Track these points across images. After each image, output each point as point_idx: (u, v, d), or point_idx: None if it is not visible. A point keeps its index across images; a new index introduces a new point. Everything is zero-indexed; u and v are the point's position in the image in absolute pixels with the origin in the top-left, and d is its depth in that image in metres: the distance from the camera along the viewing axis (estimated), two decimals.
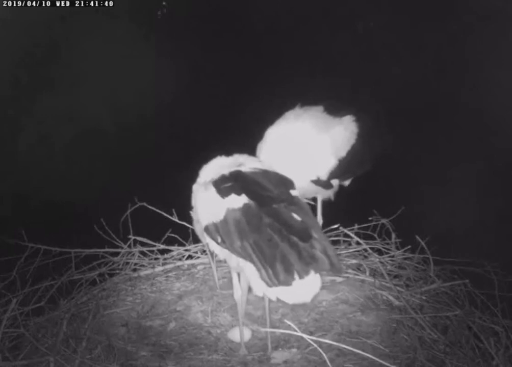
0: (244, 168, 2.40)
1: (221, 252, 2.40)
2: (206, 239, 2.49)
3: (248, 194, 2.25)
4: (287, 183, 2.37)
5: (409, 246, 3.18)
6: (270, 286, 2.13)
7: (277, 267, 2.10)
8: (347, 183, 3.06)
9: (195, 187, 2.51)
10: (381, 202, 3.52)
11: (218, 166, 2.49)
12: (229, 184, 2.32)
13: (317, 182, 2.83)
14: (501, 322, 2.58)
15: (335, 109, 2.92)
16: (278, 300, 2.24)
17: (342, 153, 2.83)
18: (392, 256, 3.22)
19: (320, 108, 2.92)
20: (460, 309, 2.72)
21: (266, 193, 2.27)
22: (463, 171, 3.84)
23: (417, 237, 3.07)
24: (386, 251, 3.25)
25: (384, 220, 3.25)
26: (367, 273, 3.16)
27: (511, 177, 3.83)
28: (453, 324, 2.66)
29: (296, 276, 2.09)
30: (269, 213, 2.20)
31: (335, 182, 2.93)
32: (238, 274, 2.57)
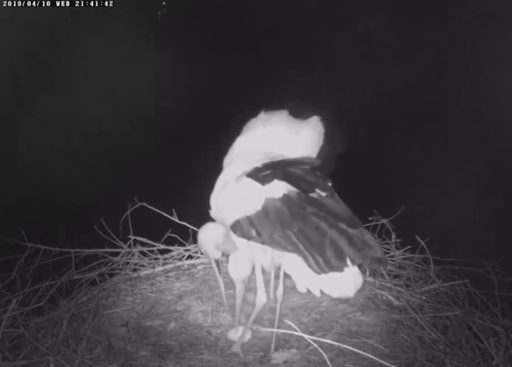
0: (279, 160, 2.40)
1: (251, 249, 2.36)
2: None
3: (290, 182, 2.23)
4: (321, 174, 2.33)
5: (409, 246, 3.18)
6: (319, 273, 2.10)
7: (327, 254, 2.07)
8: None
9: (220, 184, 2.48)
10: (381, 202, 3.52)
11: (247, 160, 2.46)
12: (268, 171, 2.30)
13: None
14: (501, 322, 2.58)
15: (299, 110, 2.81)
16: (322, 294, 2.22)
17: (314, 155, 2.72)
18: (392, 256, 3.22)
19: (284, 112, 2.80)
20: (460, 309, 2.72)
21: (308, 180, 2.25)
22: (463, 171, 3.84)
23: (417, 237, 3.07)
24: (386, 251, 3.25)
25: (384, 220, 3.25)
26: (367, 273, 3.16)
27: (511, 177, 3.83)
28: (453, 324, 2.66)
29: (349, 262, 2.06)
30: (311, 203, 2.18)
31: None
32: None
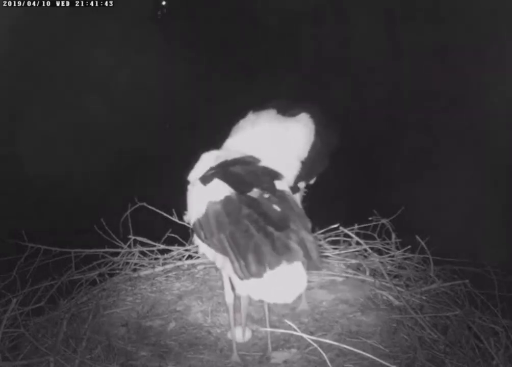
0: (229, 159, 2.35)
1: (208, 251, 2.33)
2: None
3: (228, 181, 2.21)
4: (272, 174, 2.30)
5: (409, 246, 3.18)
6: (241, 278, 2.07)
7: (249, 258, 2.03)
8: (312, 181, 2.91)
9: (188, 187, 2.45)
10: (381, 202, 3.52)
11: (207, 162, 2.43)
12: (212, 171, 2.29)
13: None
14: (501, 322, 2.58)
15: (287, 108, 2.75)
16: (260, 300, 2.19)
17: (305, 153, 2.68)
18: (392, 256, 3.22)
19: (272, 111, 2.75)
20: (460, 309, 2.72)
21: (247, 181, 2.21)
22: (463, 171, 3.84)
23: (417, 237, 3.07)
24: (386, 251, 3.25)
25: (384, 220, 3.25)
26: (367, 273, 3.16)
27: (511, 176, 3.83)
28: (453, 324, 2.66)
29: (267, 267, 2.01)
30: (249, 204, 2.14)
31: (301, 185, 2.78)
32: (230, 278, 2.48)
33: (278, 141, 2.62)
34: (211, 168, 2.32)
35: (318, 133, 2.72)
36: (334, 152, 2.86)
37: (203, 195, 2.25)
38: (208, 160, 2.42)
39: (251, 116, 2.77)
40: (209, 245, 2.24)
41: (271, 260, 2.02)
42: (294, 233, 2.07)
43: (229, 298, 2.53)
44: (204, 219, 2.22)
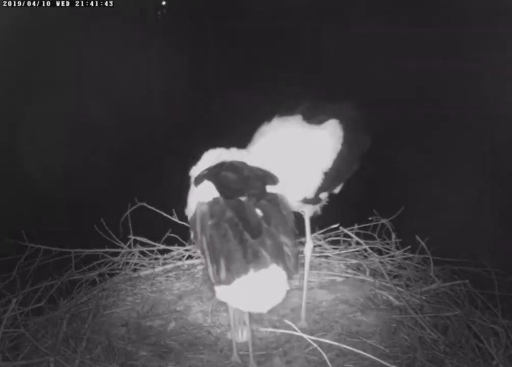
0: (226, 161, 2.33)
1: (198, 251, 2.32)
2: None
3: (217, 185, 2.20)
4: (266, 179, 2.26)
5: (409, 246, 3.18)
6: (214, 284, 2.08)
7: (221, 264, 2.03)
8: (337, 190, 2.78)
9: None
10: (381, 202, 3.52)
11: (207, 160, 2.43)
12: (205, 172, 2.28)
13: (304, 200, 2.57)
14: (501, 322, 2.58)
15: (314, 114, 2.60)
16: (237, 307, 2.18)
17: (329, 163, 2.55)
18: (392, 256, 3.22)
19: (298, 117, 2.60)
20: (460, 309, 2.72)
21: (235, 187, 2.19)
22: (463, 171, 3.84)
23: (417, 237, 3.07)
24: (386, 251, 3.25)
25: (384, 220, 3.25)
26: (367, 273, 3.16)
27: (511, 176, 3.83)
28: (453, 324, 2.66)
29: (235, 275, 2.01)
30: (234, 207, 2.12)
31: (324, 195, 2.65)
32: None
33: (300, 150, 2.52)
34: (206, 169, 2.32)
35: (346, 140, 2.60)
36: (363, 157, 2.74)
37: (194, 195, 2.26)
38: (209, 158, 2.42)
39: (275, 121, 2.65)
40: (196, 245, 2.24)
41: (239, 267, 2.01)
42: (271, 239, 2.06)
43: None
44: (192, 219, 2.23)
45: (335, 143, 2.57)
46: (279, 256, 2.06)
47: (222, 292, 2.14)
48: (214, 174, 2.26)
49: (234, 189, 2.19)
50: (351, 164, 2.68)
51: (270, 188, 2.25)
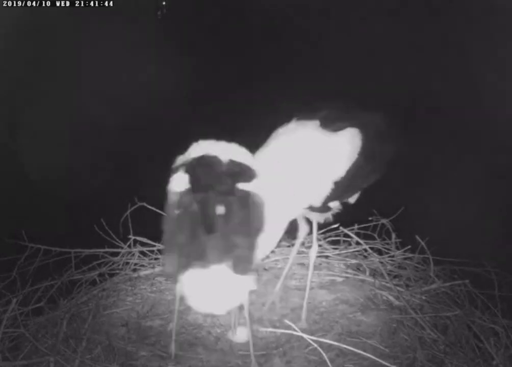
0: (206, 154, 2.32)
1: None
2: None
3: (189, 177, 2.21)
4: (240, 175, 2.24)
5: (409, 246, 3.18)
6: (164, 276, 2.08)
7: (169, 258, 2.07)
8: (352, 200, 2.71)
9: None
10: (381, 202, 3.51)
11: (191, 152, 2.44)
12: (181, 163, 2.31)
13: (310, 208, 2.54)
14: (501, 322, 2.58)
15: (333, 121, 2.53)
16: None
17: (341, 173, 2.48)
18: (392, 256, 3.22)
19: (315, 123, 2.53)
20: (460, 309, 2.72)
21: (204, 182, 2.19)
22: (463, 171, 3.84)
23: (417, 237, 3.07)
24: (386, 251, 3.25)
25: (384, 220, 3.25)
26: (367, 273, 3.16)
27: (511, 177, 3.83)
28: (453, 324, 2.66)
29: (180, 270, 2.03)
30: (199, 201, 2.13)
31: (334, 204, 2.60)
32: None
33: (312, 157, 2.48)
34: (185, 160, 2.34)
35: (365, 150, 2.53)
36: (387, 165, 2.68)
37: (170, 184, 2.29)
38: (195, 149, 2.42)
39: (292, 125, 2.60)
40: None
41: (184, 262, 2.03)
42: (223, 238, 2.05)
43: None
44: (166, 208, 2.26)
45: (351, 153, 2.51)
46: (225, 256, 2.05)
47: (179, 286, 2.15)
48: (190, 165, 2.28)
49: (204, 183, 2.19)
50: (369, 175, 2.61)
51: (261, 187, 2.27)
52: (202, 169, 2.25)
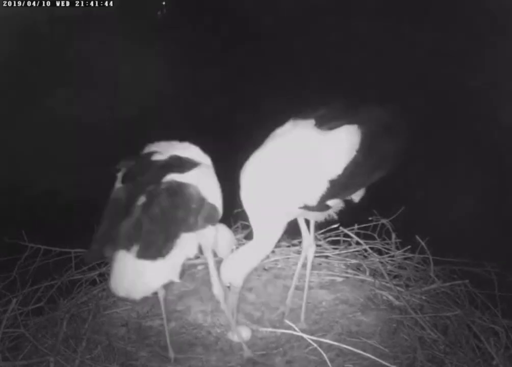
0: (155, 152, 2.46)
1: None
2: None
3: (126, 171, 2.38)
4: (174, 167, 2.33)
5: (409, 246, 3.18)
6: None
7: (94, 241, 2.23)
8: (356, 198, 2.67)
9: None
10: (381, 202, 3.51)
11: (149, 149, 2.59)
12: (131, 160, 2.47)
13: (306, 208, 2.50)
14: (501, 322, 2.58)
15: (328, 120, 2.51)
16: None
17: (337, 171, 2.44)
18: (392, 256, 3.22)
19: (311, 122, 2.52)
20: (460, 309, 2.72)
21: (132, 172, 2.35)
22: (463, 171, 3.84)
23: (417, 237, 3.07)
24: (386, 251, 3.25)
25: (384, 220, 3.25)
26: (367, 273, 3.16)
27: (511, 177, 3.83)
28: (453, 324, 2.66)
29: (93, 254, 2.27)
30: (124, 191, 2.30)
31: (332, 202, 2.55)
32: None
33: (306, 156, 2.46)
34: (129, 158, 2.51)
35: (364, 147, 2.48)
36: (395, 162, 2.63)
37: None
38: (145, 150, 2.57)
39: (288, 125, 2.60)
40: None
41: (95, 248, 2.19)
42: (135, 226, 2.14)
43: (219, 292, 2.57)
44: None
45: (347, 150, 2.47)
46: (133, 241, 2.14)
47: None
48: (128, 162, 2.46)
49: (131, 174, 2.34)
50: (371, 172, 2.56)
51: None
52: (136, 163, 2.41)
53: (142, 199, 2.22)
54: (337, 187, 2.47)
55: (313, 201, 2.47)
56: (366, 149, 2.48)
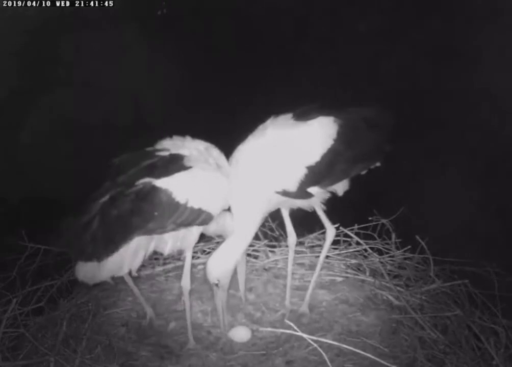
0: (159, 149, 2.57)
1: None
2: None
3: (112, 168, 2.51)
4: (157, 169, 2.40)
5: (409, 246, 3.18)
6: None
7: None
8: (340, 191, 2.74)
9: None
10: (381, 202, 3.52)
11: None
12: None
13: (285, 193, 2.57)
14: (501, 322, 2.58)
15: (306, 114, 2.66)
16: None
17: (315, 158, 2.54)
18: (392, 256, 3.22)
19: (288, 115, 2.69)
20: (460, 309, 2.72)
21: (114, 172, 2.47)
22: (463, 171, 3.84)
23: (417, 237, 3.07)
24: (386, 251, 3.25)
25: (384, 220, 3.25)
26: (367, 273, 3.16)
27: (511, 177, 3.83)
28: (453, 324, 2.66)
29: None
30: (103, 188, 2.42)
31: (314, 190, 2.61)
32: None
33: (283, 145, 2.56)
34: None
35: (342, 137, 2.58)
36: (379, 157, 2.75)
37: None
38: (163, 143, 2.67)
39: (268, 121, 2.73)
40: None
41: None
42: (87, 223, 2.28)
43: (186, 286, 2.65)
44: None
45: (323, 139, 2.57)
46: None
47: None
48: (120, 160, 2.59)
49: (114, 172, 2.45)
50: (353, 162, 2.65)
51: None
52: (127, 160, 2.51)
53: (104, 199, 2.31)
54: (316, 174, 2.54)
55: (291, 187, 2.54)
56: (345, 139, 2.58)
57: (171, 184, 2.36)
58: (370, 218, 3.30)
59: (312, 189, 2.59)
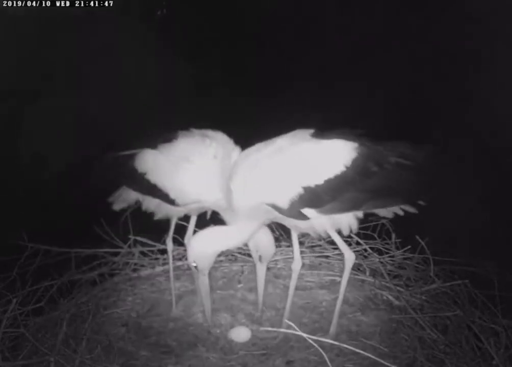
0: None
1: None
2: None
3: None
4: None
5: (409, 246, 3.18)
6: None
7: None
8: (345, 230, 2.50)
9: None
10: None
11: None
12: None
13: (275, 208, 2.37)
14: (501, 322, 2.58)
15: (329, 134, 2.43)
16: None
17: (316, 181, 2.33)
18: (392, 256, 3.22)
19: (310, 131, 2.47)
20: (460, 309, 2.72)
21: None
22: (463, 171, 3.84)
23: (417, 237, 3.07)
24: (386, 251, 3.25)
25: (384, 220, 3.25)
26: (367, 273, 3.16)
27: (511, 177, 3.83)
28: (453, 324, 2.66)
29: None
30: None
31: (308, 212, 2.37)
32: None
33: (285, 159, 2.38)
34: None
35: (358, 166, 2.34)
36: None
37: None
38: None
39: (288, 133, 2.52)
40: None
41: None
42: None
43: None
44: None
45: (332, 163, 2.36)
46: None
47: None
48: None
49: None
50: (366, 197, 2.39)
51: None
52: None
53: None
54: (315, 197, 2.34)
55: (281, 203, 2.36)
56: (362, 169, 2.35)
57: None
58: (370, 218, 3.29)
59: (308, 212, 2.38)
